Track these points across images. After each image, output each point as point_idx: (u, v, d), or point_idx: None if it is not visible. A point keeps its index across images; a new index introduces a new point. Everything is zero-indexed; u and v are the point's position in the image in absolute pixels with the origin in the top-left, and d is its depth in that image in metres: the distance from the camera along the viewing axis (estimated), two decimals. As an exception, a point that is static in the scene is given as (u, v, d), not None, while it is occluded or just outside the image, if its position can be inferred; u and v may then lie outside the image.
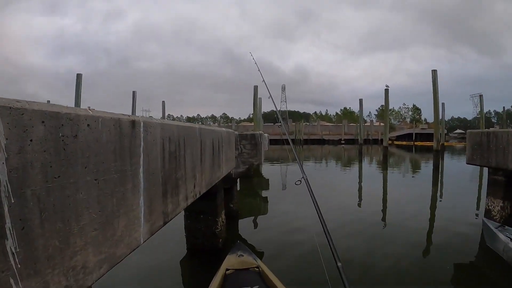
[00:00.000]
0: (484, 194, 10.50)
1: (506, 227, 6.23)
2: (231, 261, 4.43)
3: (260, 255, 4.56)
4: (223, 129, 6.22)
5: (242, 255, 4.58)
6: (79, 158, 1.58)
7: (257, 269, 4.18)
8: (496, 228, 6.19)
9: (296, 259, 6.35)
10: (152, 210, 2.42)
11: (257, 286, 3.75)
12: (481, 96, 34.85)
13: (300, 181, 3.13)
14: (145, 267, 6.09)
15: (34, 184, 1.33)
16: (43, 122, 1.37)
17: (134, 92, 37.24)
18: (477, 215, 9.49)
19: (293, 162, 28.89)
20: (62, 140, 1.47)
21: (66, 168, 1.50)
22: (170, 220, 2.92)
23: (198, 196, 3.96)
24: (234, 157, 7.58)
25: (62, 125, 1.47)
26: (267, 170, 21.99)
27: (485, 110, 34.81)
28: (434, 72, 21.93)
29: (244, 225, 9.00)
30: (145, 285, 5.52)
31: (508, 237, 5.74)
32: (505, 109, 48.40)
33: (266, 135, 13.94)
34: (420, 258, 6.51)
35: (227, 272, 4.12)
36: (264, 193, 14.13)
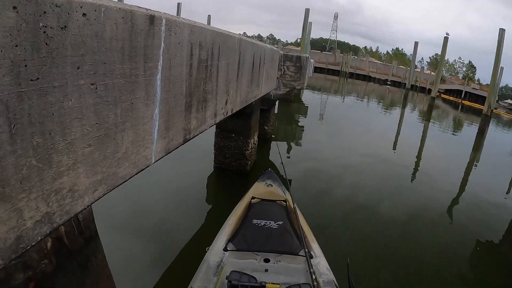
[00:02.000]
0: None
1: None
2: (258, 190, 4.07)
3: (287, 184, 4.22)
4: (267, 45, 5.57)
5: (271, 185, 4.21)
6: (69, 57, 1.18)
7: (285, 203, 3.79)
8: None
9: (322, 197, 6.15)
10: (169, 126, 2.05)
11: (282, 222, 3.42)
12: (544, 70, 31.09)
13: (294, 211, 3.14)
14: (171, 177, 6.09)
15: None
16: (14, 8, 0.97)
17: (179, 4, 34.38)
18: (508, 191, 8.87)
19: (335, 93, 28.03)
20: (44, 32, 1.07)
21: (49, 69, 1.11)
22: (193, 137, 2.57)
23: (229, 114, 3.56)
24: (276, 78, 7.04)
25: (44, 12, 1.06)
26: (308, 97, 21.27)
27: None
28: (501, 31, 19.05)
29: (276, 150, 8.77)
30: (169, 196, 5.51)
31: None
32: None
33: (312, 60, 13.09)
34: (443, 220, 6.17)
35: (252, 200, 3.78)
36: (301, 121, 13.71)
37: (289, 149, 9.22)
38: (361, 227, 5.34)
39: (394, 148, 11.54)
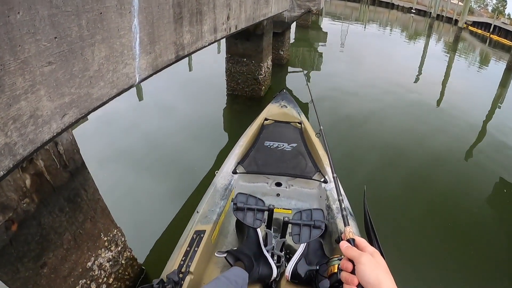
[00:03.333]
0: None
1: None
2: (272, 111, 3.85)
3: (304, 110, 3.98)
4: None
5: (286, 106, 3.97)
6: None
7: (300, 125, 3.58)
8: None
9: (339, 123, 6.07)
10: (155, 39, 1.78)
11: (295, 144, 3.23)
12: None
13: (319, 133, 2.69)
14: (182, 109, 6.01)
15: None
16: None
17: None
18: None
19: (356, 21, 26.55)
20: None
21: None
22: (188, 54, 2.29)
23: (233, 30, 3.22)
24: (289, -3, 6.51)
25: None
26: (327, 26, 20.15)
27: None
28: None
29: (292, 77, 8.39)
30: (181, 127, 5.43)
31: None
32: None
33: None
34: (464, 157, 5.94)
35: (265, 122, 3.58)
36: (320, 48, 13.03)
37: (307, 75, 8.82)
38: (378, 157, 5.24)
39: (416, 81, 10.96)
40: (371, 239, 2.05)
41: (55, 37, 1.15)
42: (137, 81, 1.70)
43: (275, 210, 1.97)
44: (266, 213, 1.94)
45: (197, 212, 2.46)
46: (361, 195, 2.28)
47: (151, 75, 1.83)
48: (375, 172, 4.78)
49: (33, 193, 1.60)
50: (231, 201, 2.03)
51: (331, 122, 5.95)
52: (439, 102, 8.98)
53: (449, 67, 14.88)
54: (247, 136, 3.40)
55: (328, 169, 2.97)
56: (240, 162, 3.00)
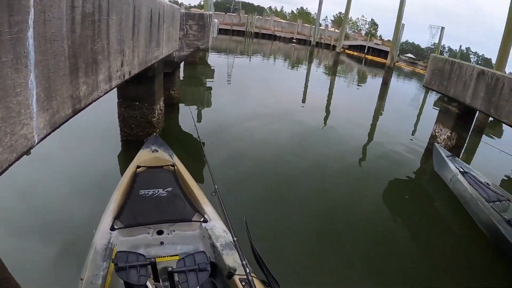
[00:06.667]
0: (424, 120, 11.23)
1: (457, 158, 6.38)
2: (143, 157, 3.83)
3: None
4: (166, 1, 5.16)
5: (157, 150, 3.99)
6: None
7: (172, 168, 3.66)
8: (447, 157, 6.28)
9: (230, 159, 6.17)
10: (52, 94, 1.74)
11: (170, 188, 3.29)
12: (442, 28, 34.62)
13: (215, 192, 2.82)
14: (75, 160, 5.45)
15: None
16: None
17: None
18: (413, 134, 10.08)
19: (241, 54, 28.01)
20: None
21: None
22: (85, 107, 2.25)
23: (127, 77, 3.24)
24: (178, 38, 6.71)
25: None
26: (214, 60, 20.95)
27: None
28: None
29: (185, 115, 8.50)
30: (73, 183, 4.88)
31: (458, 168, 5.83)
32: (461, 48, 48.65)
33: (216, 20, 12.80)
34: (355, 166, 6.75)
35: (137, 170, 3.56)
36: (209, 83, 13.50)
37: (199, 112, 9.12)
38: (268, 182, 5.50)
39: (304, 102, 12.13)
40: (261, 266, 2.22)
41: None
42: (36, 142, 1.64)
43: (160, 260, 1.97)
44: (149, 267, 1.95)
45: (81, 279, 2.26)
46: (245, 225, 2.46)
47: (49, 134, 1.77)
48: (260, 200, 4.96)
49: None
50: (112, 262, 1.96)
51: (223, 156, 6.13)
52: (326, 120, 10.08)
53: (331, 88, 16.65)
54: (120, 188, 3.33)
55: (208, 208, 3.11)
56: (116, 217, 2.94)
